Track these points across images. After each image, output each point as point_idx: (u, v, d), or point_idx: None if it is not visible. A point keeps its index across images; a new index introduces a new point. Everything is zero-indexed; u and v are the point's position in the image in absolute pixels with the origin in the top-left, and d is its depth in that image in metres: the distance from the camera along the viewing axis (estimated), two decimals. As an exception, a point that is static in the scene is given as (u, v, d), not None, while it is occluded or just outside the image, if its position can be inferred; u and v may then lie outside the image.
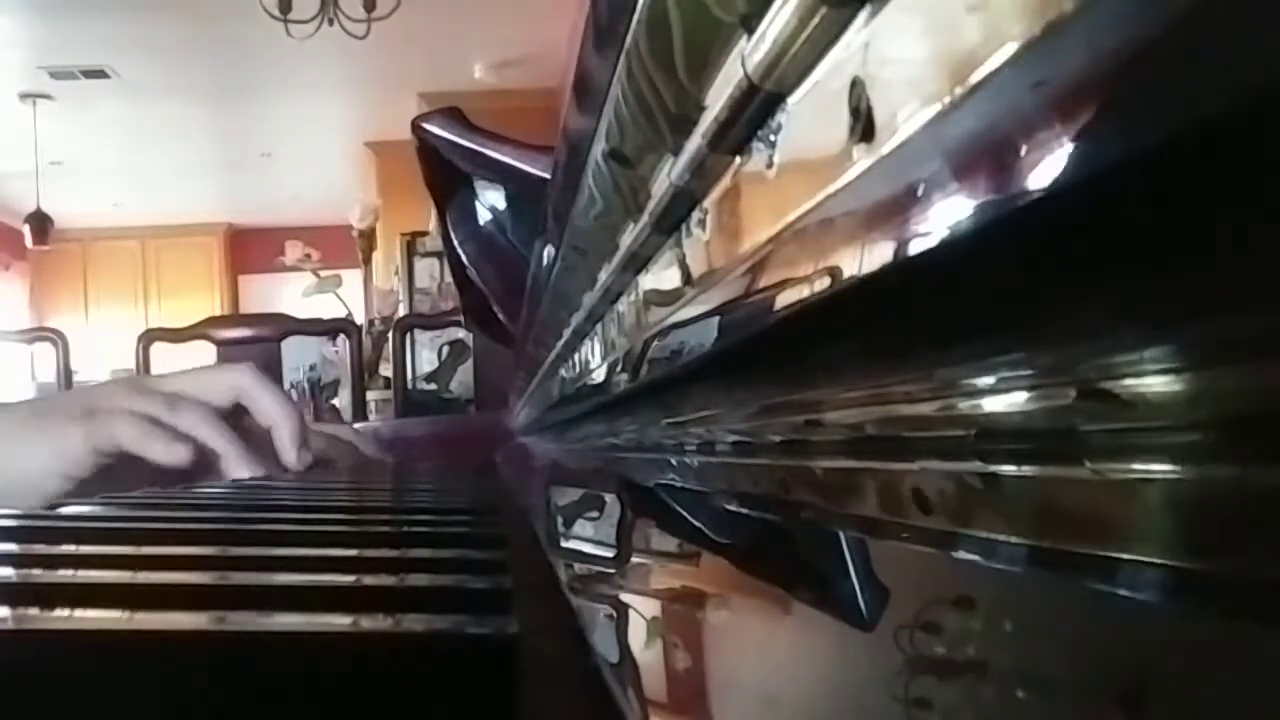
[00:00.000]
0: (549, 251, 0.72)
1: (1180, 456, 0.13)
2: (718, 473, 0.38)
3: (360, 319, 4.34)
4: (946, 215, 0.15)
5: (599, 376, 0.56)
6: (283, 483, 0.72)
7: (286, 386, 3.50)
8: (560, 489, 0.74)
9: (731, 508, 0.34)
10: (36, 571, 0.27)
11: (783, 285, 0.23)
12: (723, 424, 0.37)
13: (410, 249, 5.39)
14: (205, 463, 0.80)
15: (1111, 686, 0.12)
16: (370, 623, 0.22)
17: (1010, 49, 0.13)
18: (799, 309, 0.22)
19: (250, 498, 0.58)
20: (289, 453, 0.85)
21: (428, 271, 5.27)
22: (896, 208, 0.17)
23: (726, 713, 0.21)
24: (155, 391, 0.83)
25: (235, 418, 0.84)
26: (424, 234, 5.17)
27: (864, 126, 0.18)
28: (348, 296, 4.67)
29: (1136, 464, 0.14)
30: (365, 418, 3.45)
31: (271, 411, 0.85)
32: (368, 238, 5.31)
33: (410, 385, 3.54)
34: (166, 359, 3.09)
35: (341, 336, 3.53)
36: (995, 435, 0.18)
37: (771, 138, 0.24)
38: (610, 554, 0.40)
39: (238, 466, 0.80)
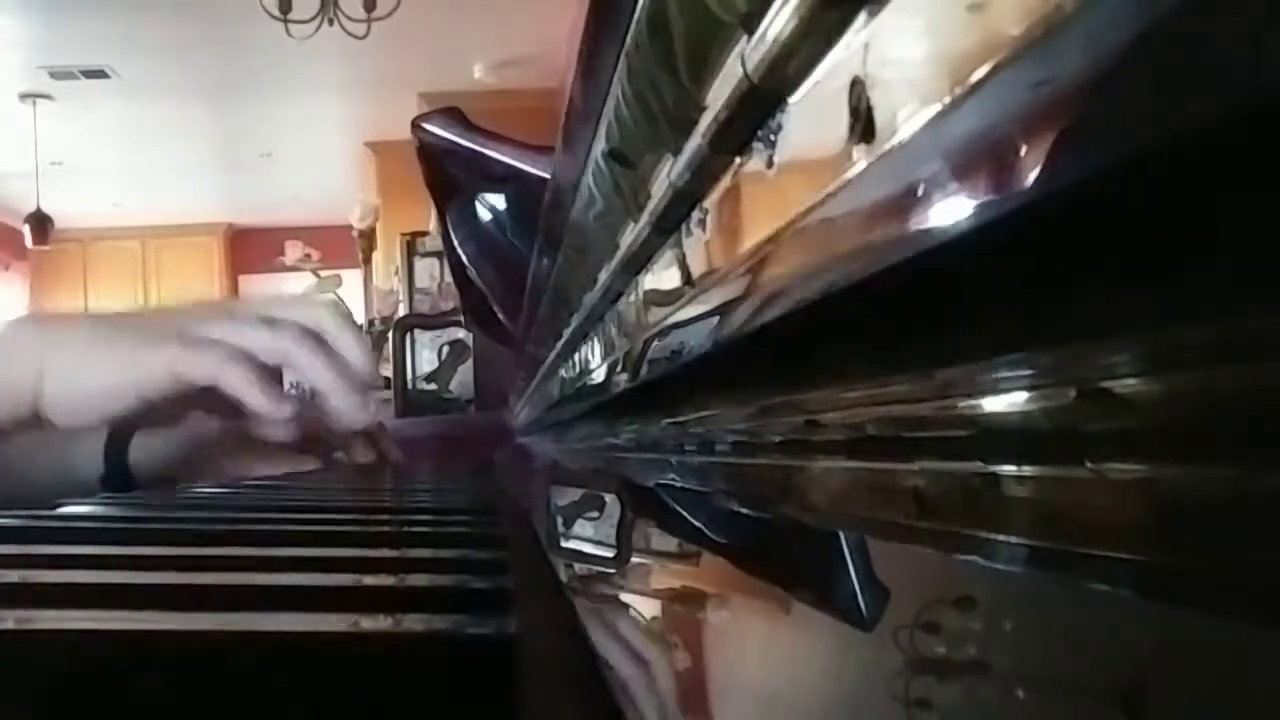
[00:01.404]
0: (549, 251, 0.72)
1: (1180, 456, 0.13)
2: (718, 473, 0.38)
3: (360, 319, 4.34)
4: (946, 215, 0.15)
5: (599, 376, 0.56)
6: (282, 483, 0.72)
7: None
8: (560, 489, 0.74)
9: (731, 508, 0.34)
10: (36, 571, 0.27)
11: (783, 285, 0.23)
12: (723, 424, 0.37)
13: (410, 249, 5.38)
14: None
15: (1111, 686, 0.12)
16: (370, 623, 0.22)
17: (1010, 49, 0.13)
18: (799, 309, 0.22)
19: (250, 498, 0.58)
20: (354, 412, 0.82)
21: (428, 271, 5.27)
22: (896, 208, 0.17)
23: (726, 713, 0.21)
24: (247, 316, 0.79)
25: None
26: (424, 234, 5.16)
27: (864, 126, 0.18)
28: (348, 296, 4.67)
29: (1136, 464, 0.14)
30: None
31: (350, 355, 0.82)
32: (368, 238, 5.32)
33: (410, 385, 3.54)
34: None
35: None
36: (995, 435, 0.18)
37: (771, 138, 0.24)
38: (610, 554, 0.40)
39: (338, 397, 0.78)
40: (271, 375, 0.79)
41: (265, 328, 0.78)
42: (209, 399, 0.77)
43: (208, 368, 0.75)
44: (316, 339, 0.80)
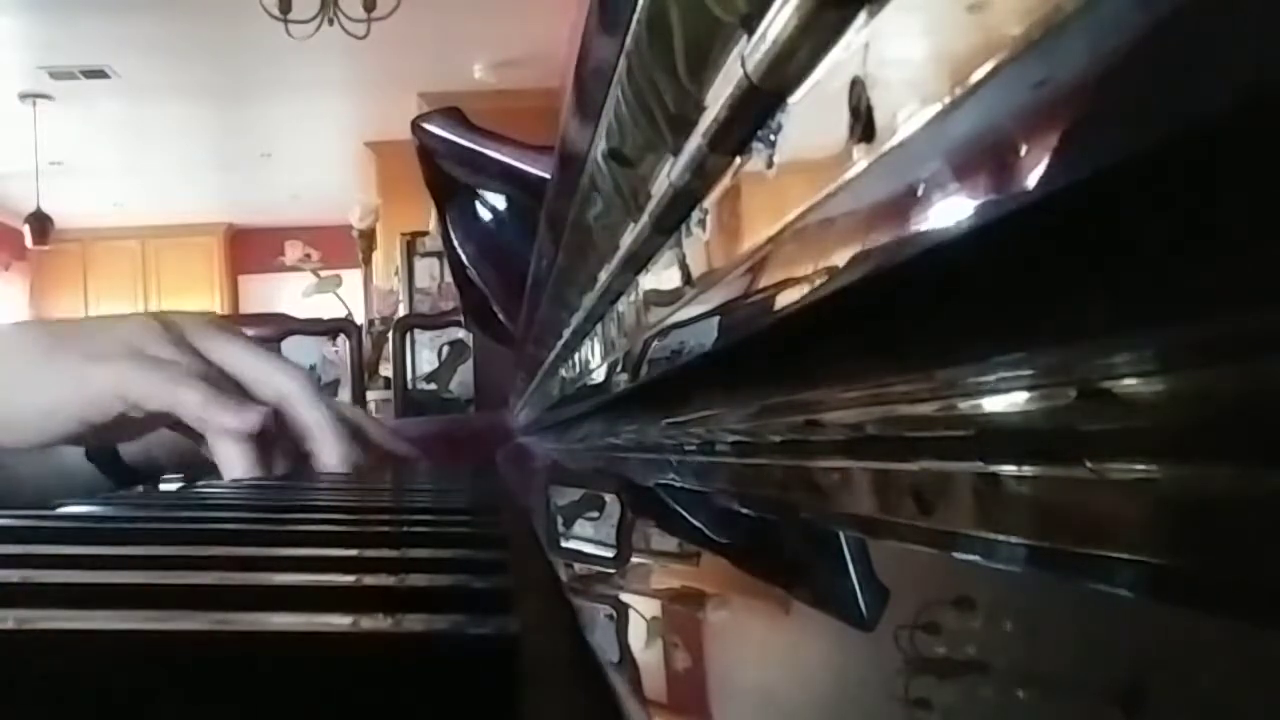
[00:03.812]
0: (549, 251, 0.72)
1: (1180, 456, 0.13)
2: (718, 473, 0.38)
3: (360, 319, 4.35)
4: (946, 215, 0.15)
5: (599, 376, 0.56)
6: (283, 483, 0.72)
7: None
8: (560, 489, 0.74)
9: (731, 508, 0.34)
10: (36, 571, 0.27)
11: (783, 285, 0.23)
12: (723, 424, 0.37)
13: (410, 249, 5.39)
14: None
15: (1111, 686, 0.12)
16: (370, 623, 0.22)
17: (1010, 49, 0.13)
18: (799, 309, 0.22)
19: (250, 498, 0.58)
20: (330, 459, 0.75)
21: (428, 271, 5.27)
22: (896, 208, 0.17)
23: (726, 713, 0.21)
24: (203, 356, 0.72)
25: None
26: (424, 234, 5.16)
27: (864, 126, 0.18)
28: (348, 296, 4.67)
29: (1136, 464, 0.14)
30: (365, 418, 3.44)
31: (313, 427, 0.75)
32: (368, 238, 5.32)
33: (410, 385, 3.55)
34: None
35: (341, 336, 3.53)
36: (995, 435, 0.18)
37: (771, 138, 0.24)
38: (610, 554, 0.40)
39: (329, 450, 0.72)
40: (233, 389, 0.72)
41: (217, 374, 0.71)
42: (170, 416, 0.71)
43: (158, 392, 0.69)
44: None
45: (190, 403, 0.68)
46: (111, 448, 0.83)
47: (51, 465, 0.78)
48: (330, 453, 0.76)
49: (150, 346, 0.71)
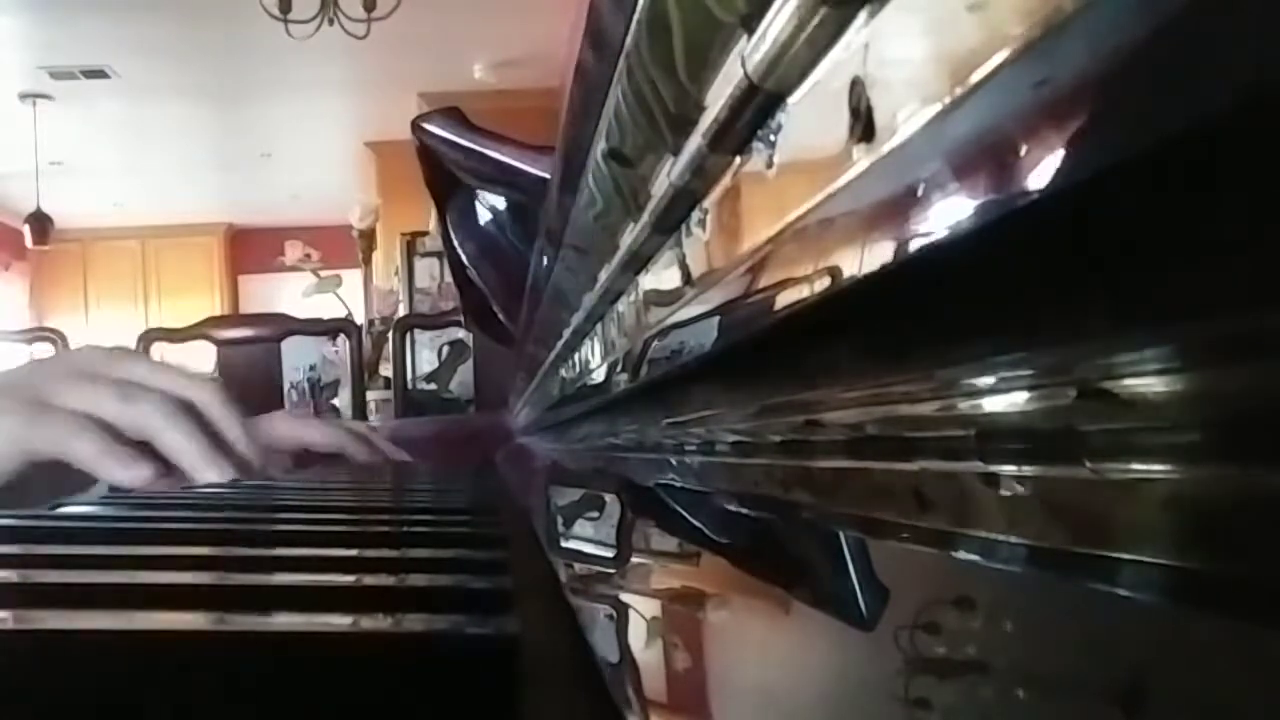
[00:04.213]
0: (549, 251, 0.72)
1: (1180, 456, 0.13)
2: (718, 473, 0.38)
3: (360, 319, 4.34)
4: (946, 215, 0.15)
5: (599, 376, 0.56)
6: (283, 483, 0.72)
7: (287, 387, 3.50)
8: (560, 489, 0.74)
9: (731, 508, 0.34)
10: (36, 571, 0.27)
11: (783, 285, 0.23)
12: (723, 424, 0.37)
13: (410, 249, 5.39)
14: (164, 468, 0.72)
15: (1111, 686, 0.12)
16: (370, 623, 0.22)
17: (1010, 49, 0.13)
18: (799, 309, 0.22)
19: (250, 498, 0.58)
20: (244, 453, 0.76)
21: (428, 271, 5.27)
22: (896, 208, 0.17)
23: (726, 713, 0.21)
24: (107, 380, 0.72)
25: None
26: (424, 234, 5.16)
27: (864, 126, 0.18)
28: (348, 296, 4.67)
29: (1136, 464, 0.14)
30: (365, 418, 3.45)
31: (232, 436, 0.76)
32: (368, 238, 5.32)
33: (410, 385, 3.54)
34: (166, 359, 3.09)
35: (341, 336, 3.53)
36: (995, 435, 0.18)
37: (771, 138, 0.24)
38: (610, 554, 0.40)
39: (204, 472, 0.72)
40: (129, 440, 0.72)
41: (123, 396, 0.71)
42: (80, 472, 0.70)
43: (53, 442, 0.69)
44: (187, 411, 0.74)
45: (83, 453, 0.69)
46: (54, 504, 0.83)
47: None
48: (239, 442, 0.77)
49: (56, 395, 0.71)
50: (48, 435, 0.69)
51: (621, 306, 0.47)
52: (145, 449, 0.72)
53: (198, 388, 0.77)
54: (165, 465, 0.72)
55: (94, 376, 0.73)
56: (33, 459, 0.70)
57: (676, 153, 0.30)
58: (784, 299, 0.23)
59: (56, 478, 0.74)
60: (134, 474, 0.69)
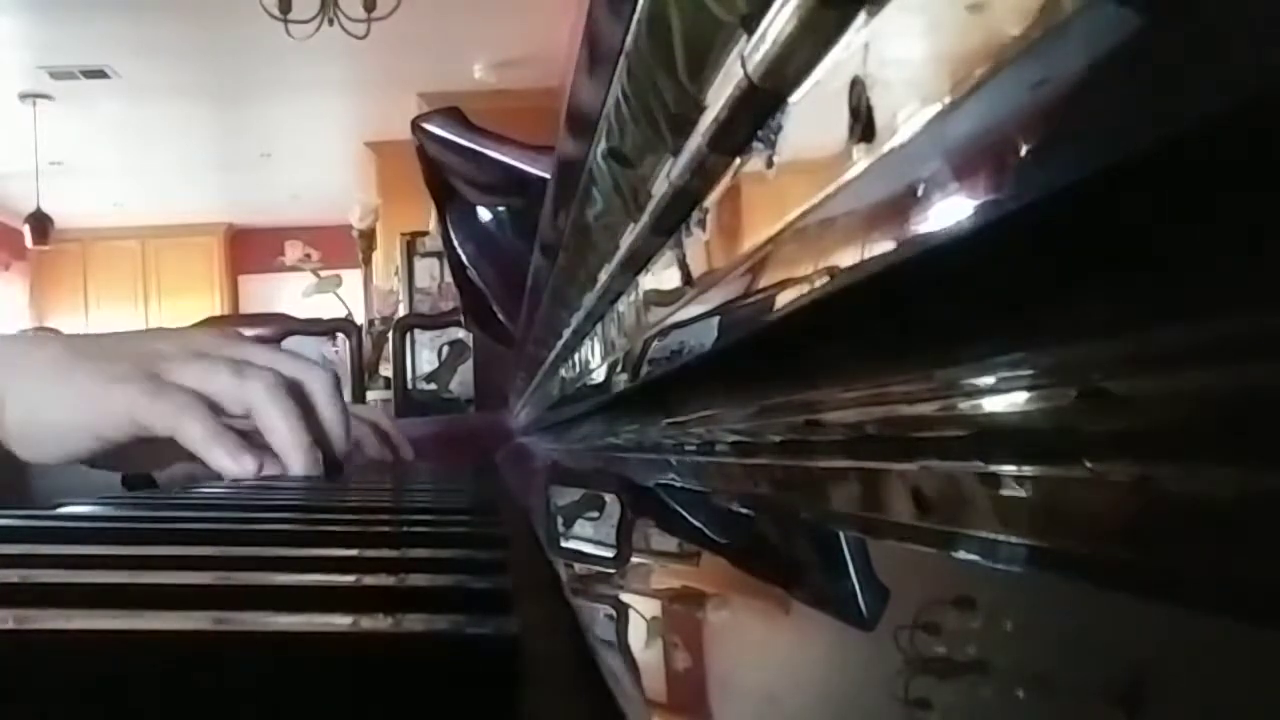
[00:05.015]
0: (549, 252, 0.72)
1: (1180, 456, 0.13)
2: (718, 473, 0.38)
3: (360, 319, 4.34)
4: (946, 215, 0.15)
5: (599, 376, 0.56)
6: (283, 483, 0.72)
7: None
8: (560, 489, 0.74)
9: (731, 508, 0.34)
10: (36, 571, 0.27)
11: (783, 285, 0.23)
12: (723, 424, 0.37)
13: (410, 249, 5.38)
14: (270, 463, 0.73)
15: (1111, 686, 0.12)
16: (370, 623, 0.22)
17: (1010, 49, 0.13)
18: (799, 309, 0.22)
19: (250, 498, 0.58)
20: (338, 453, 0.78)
21: (428, 271, 5.27)
22: (896, 208, 0.17)
23: (726, 713, 0.21)
24: (223, 359, 0.73)
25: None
26: (424, 234, 5.16)
27: (864, 126, 0.18)
28: (348, 296, 4.67)
29: (1136, 464, 0.14)
30: (365, 418, 3.44)
31: (330, 428, 0.77)
32: (368, 238, 5.32)
33: (410, 385, 3.54)
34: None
35: (341, 336, 3.53)
36: (995, 435, 0.18)
37: (771, 138, 0.24)
38: (610, 554, 0.40)
39: (294, 456, 0.73)
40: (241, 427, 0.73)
41: (235, 373, 0.72)
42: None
43: (167, 418, 0.70)
44: (293, 393, 0.75)
45: (193, 435, 0.70)
46: (147, 475, 0.84)
47: (88, 491, 0.78)
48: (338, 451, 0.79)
49: (168, 369, 0.72)
50: (162, 410, 0.70)
51: (621, 306, 0.47)
52: (257, 441, 0.73)
53: (308, 371, 0.78)
54: (272, 461, 0.73)
55: (211, 356, 0.74)
56: (144, 433, 0.70)
57: (676, 153, 0.30)
58: (784, 299, 0.23)
59: (159, 453, 0.75)
60: (239, 464, 0.70)
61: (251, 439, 0.73)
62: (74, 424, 0.70)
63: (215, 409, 0.72)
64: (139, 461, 0.79)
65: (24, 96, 6.35)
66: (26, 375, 0.72)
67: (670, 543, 0.37)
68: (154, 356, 0.73)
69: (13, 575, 0.26)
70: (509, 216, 1.53)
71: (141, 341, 0.78)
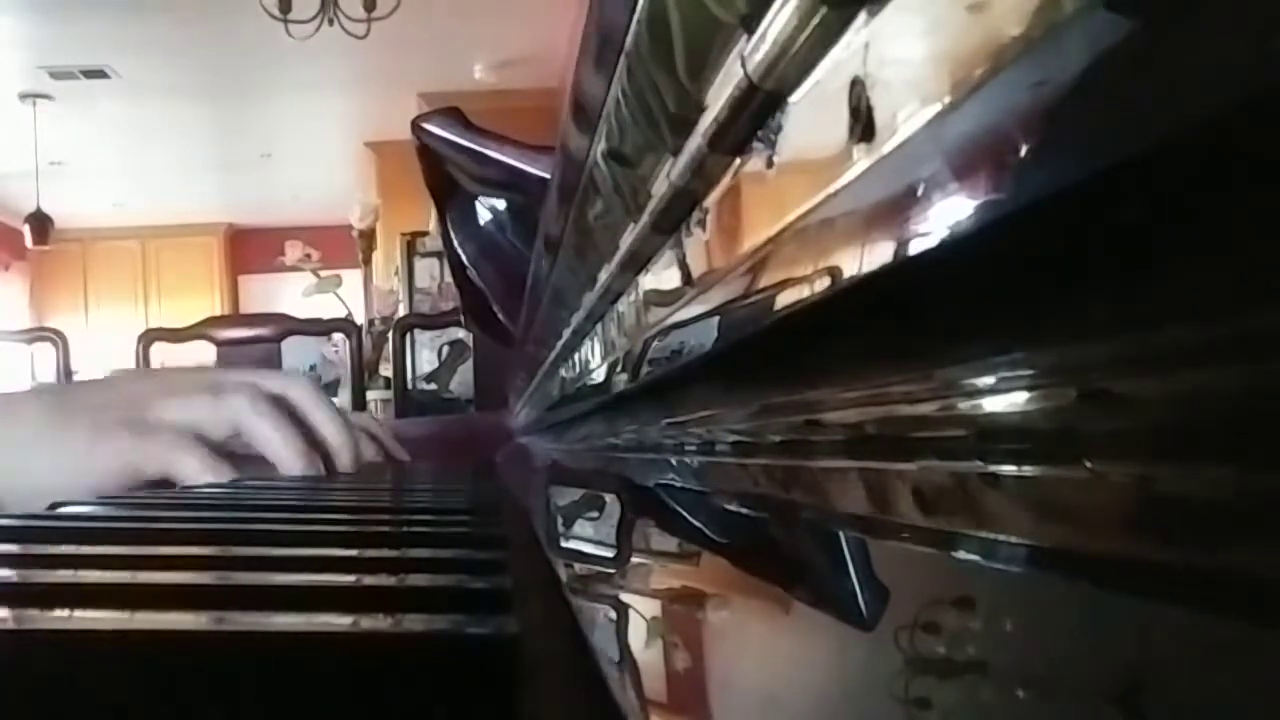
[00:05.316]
0: (549, 251, 0.72)
1: (1180, 456, 0.13)
2: (718, 473, 0.38)
3: (360, 319, 4.34)
4: (946, 215, 0.15)
5: (599, 376, 0.56)
6: (283, 483, 0.72)
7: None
8: (560, 489, 0.74)
9: (731, 508, 0.34)
10: (36, 571, 0.27)
11: (783, 285, 0.23)
12: (723, 424, 0.37)
13: (410, 249, 5.39)
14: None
15: (1111, 686, 0.12)
16: (370, 623, 0.22)
17: (1010, 49, 0.13)
18: (799, 309, 0.22)
19: (250, 498, 0.58)
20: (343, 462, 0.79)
21: (428, 271, 5.27)
22: (896, 208, 0.17)
23: (726, 713, 0.21)
24: (199, 387, 0.74)
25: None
26: (424, 234, 5.16)
27: (864, 126, 0.18)
28: (348, 296, 4.66)
29: (1136, 464, 0.14)
30: (365, 418, 3.44)
31: (326, 430, 0.78)
32: (368, 238, 5.32)
33: (410, 385, 3.54)
34: (167, 360, 3.09)
35: (341, 336, 3.53)
36: (995, 435, 0.18)
37: (771, 138, 0.24)
38: (610, 554, 0.40)
39: (292, 463, 0.74)
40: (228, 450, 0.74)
41: (213, 395, 0.73)
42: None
43: (157, 459, 0.70)
44: (279, 404, 0.75)
45: (188, 470, 0.71)
46: None
47: None
48: (345, 457, 0.79)
49: (150, 409, 0.73)
50: (153, 453, 0.71)
51: (621, 306, 0.47)
52: (249, 457, 0.74)
53: (287, 382, 0.79)
54: (273, 473, 0.74)
55: (187, 388, 0.75)
56: (139, 477, 0.71)
57: (676, 153, 0.30)
58: (784, 299, 0.23)
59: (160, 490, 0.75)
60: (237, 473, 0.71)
61: (249, 459, 0.74)
62: (69, 480, 0.69)
63: (204, 439, 0.72)
64: None
65: (24, 96, 6.35)
66: (8, 442, 0.72)
67: (670, 543, 0.37)
68: (133, 400, 0.74)
69: (13, 575, 0.26)
70: (509, 216, 1.53)
71: (118, 387, 0.79)
